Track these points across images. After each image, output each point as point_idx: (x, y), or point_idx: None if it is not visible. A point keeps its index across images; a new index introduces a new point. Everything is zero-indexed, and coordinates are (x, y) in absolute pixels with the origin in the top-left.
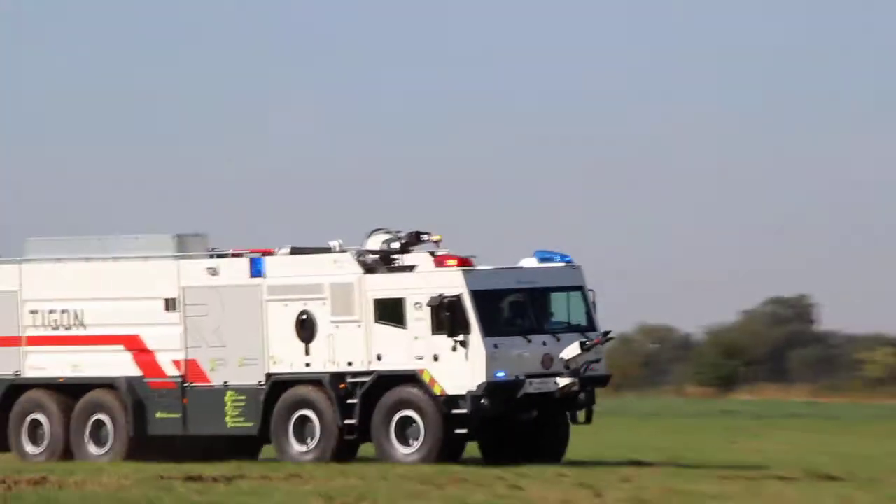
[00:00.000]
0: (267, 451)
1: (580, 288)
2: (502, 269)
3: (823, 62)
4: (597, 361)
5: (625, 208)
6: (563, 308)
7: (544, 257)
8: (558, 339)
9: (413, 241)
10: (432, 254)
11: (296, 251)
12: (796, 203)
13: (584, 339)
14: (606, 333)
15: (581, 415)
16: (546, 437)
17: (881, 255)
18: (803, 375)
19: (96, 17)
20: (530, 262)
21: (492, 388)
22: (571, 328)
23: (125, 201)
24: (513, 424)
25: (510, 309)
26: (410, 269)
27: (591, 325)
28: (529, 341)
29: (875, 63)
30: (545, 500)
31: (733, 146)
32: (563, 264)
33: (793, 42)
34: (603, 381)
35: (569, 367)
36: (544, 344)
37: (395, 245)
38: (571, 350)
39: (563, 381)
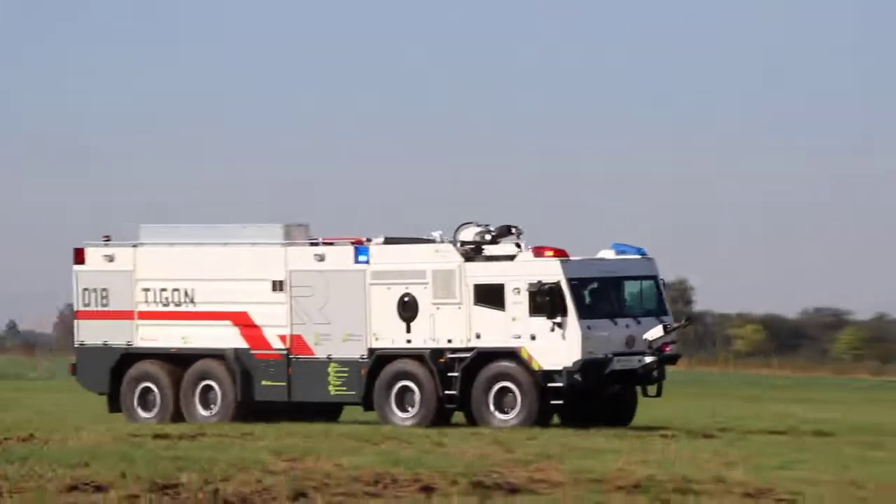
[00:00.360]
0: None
1: (654, 277)
2: (592, 259)
3: None
4: (673, 342)
5: None
6: (638, 295)
7: (621, 250)
8: (639, 323)
9: (504, 233)
10: (518, 245)
11: (389, 241)
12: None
13: (667, 323)
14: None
15: (652, 389)
16: (620, 407)
17: (749, 242)
18: (684, 350)
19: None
20: (608, 254)
21: (585, 365)
22: (647, 312)
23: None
24: (596, 396)
25: (598, 295)
26: (510, 258)
27: (663, 310)
28: (615, 324)
29: None
30: (464, 454)
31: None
32: (639, 256)
33: None
34: (675, 359)
35: (651, 347)
36: (627, 326)
37: (488, 237)
38: (656, 332)
39: (647, 359)
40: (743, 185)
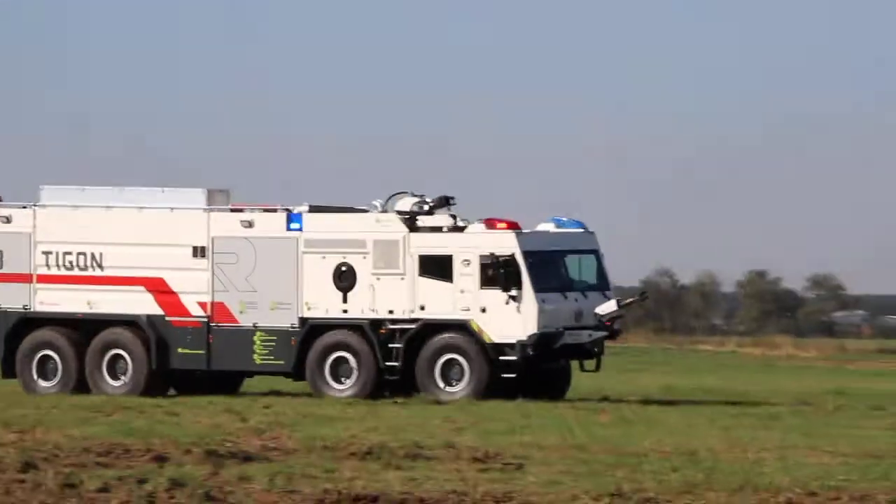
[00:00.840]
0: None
1: (596, 251)
2: (542, 232)
3: None
4: (621, 317)
5: None
6: (578, 268)
7: (562, 223)
8: (586, 297)
9: (442, 203)
10: (454, 216)
11: (314, 209)
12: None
13: (621, 298)
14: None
15: (590, 364)
16: (555, 381)
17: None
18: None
19: None
20: (548, 227)
21: (539, 338)
22: (591, 287)
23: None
24: (534, 370)
25: (548, 268)
26: (459, 229)
27: (605, 285)
28: (566, 298)
29: None
30: (199, 424)
31: None
32: (581, 230)
33: None
34: (616, 334)
35: (601, 322)
36: (576, 300)
37: (425, 207)
38: (609, 306)
39: (598, 334)
40: None
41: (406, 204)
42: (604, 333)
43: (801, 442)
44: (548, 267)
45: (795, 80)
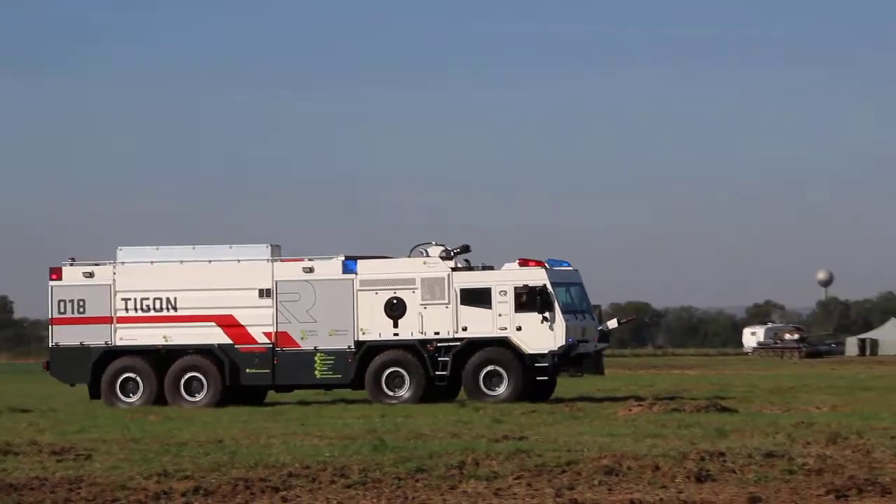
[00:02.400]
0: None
1: (581, 284)
2: (557, 269)
3: None
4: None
5: None
6: (578, 296)
7: (556, 263)
8: (585, 318)
9: (464, 250)
10: (467, 260)
11: (349, 258)
12: None
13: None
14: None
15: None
16: (547, 384)
17: None
18: None
19: None
20: (514, 266)
21: (566, 349)
22: (583, 310)
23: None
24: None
25: (564, 295)
26: (493, 268)
27: (590, 309)
28: (576, 318)
29: None
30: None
31: None
32: (571, 268)
33: None
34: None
35: (605, 335)
36: (580, 320)
37: (452, 253)
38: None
39: (601, 345)
40: None
41: (436, 251)
42: (606, 345)
43: (300, 430)
44: (563, 294)
45: None
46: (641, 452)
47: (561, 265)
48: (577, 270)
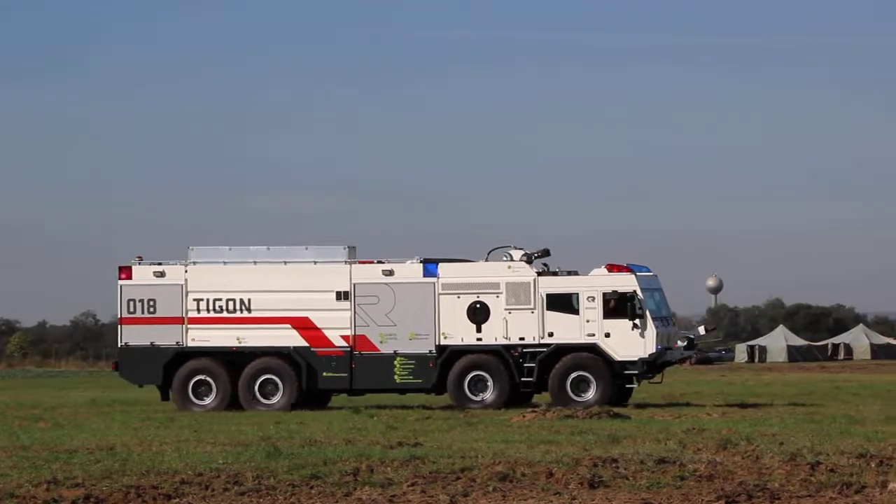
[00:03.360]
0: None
1: (661, 289)
2: (645, 274)
3: None
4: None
5: None
6: (660, 302)
7: (638, 269)
8: (668, 324)
9: (545, 254)
10: (545, 265)
11: (425, 261)
12: None
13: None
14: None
15: (659, 377)
16: (628, 390)
17: None
18: None
19: None
20: (602, 271)
21: (655, 356)
22: (664, 317)
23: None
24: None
25: (652, 301)
26: (579, 273)
27: (669, 316)
28: (662, 324)
29: None
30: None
31: None
32: (652, 273)
33: None
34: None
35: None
36: (666, 326)
37: (533, 257)
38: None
39: (686, 352)
40: None
41: (517, 255)
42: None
43: (193, 437)
44: (651, 300)
45: None
46: (535, 459)
47: (643, 270)
48: (656, 276)
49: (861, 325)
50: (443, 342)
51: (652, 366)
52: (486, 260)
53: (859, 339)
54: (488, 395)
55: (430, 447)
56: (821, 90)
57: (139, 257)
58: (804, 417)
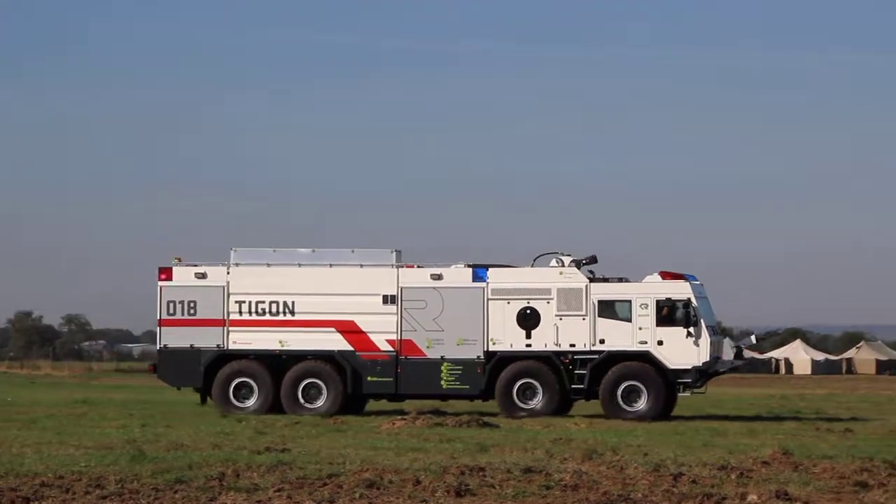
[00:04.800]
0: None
1: (707, 298)
2: (697, 283)
3: None
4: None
5: None
6: (707, 310)
7: (688, 277)
8: (716, 333)
9: (593, 261)
10: (591, 272)
11: (474, 266)
12: None
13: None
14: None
15: (704, 387)
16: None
17: None
18: None
19: None
20: (656, 279)
21: (709, 364)
22: (714, 325)
23: None
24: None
25: (703, 309)
26: (631, 280)
27: (716, 324)
28: (713, 333)
29: None
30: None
31: None
32: (698, 282)
33: None
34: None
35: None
36: (716, 335)
37: (581, 263)
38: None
39: (737, 362)
40: None
41: (565, 261)
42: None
43: (55, 439)
44: (703, 308)
45: None
46: (403, 466)
47: (693, 279)
48: (703, 284)
49: (799, 339)
50: (491, 348)
51: (704, 375)
52: (533, 266)
53: (797, 354)
54: (537, 403)
55: (298, 453)
56: None
57: (178, 258)
58: (669, 429)
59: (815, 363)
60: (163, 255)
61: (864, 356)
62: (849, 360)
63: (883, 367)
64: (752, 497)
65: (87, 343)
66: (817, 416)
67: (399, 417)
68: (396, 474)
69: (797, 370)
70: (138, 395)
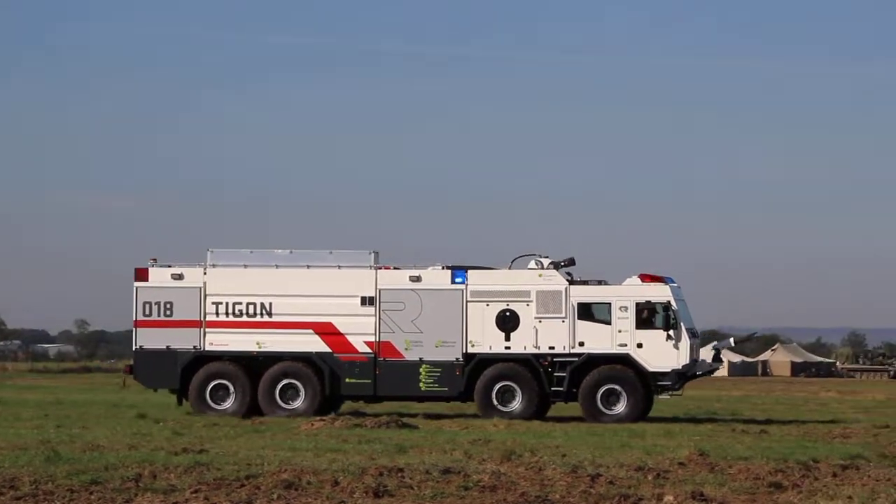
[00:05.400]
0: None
1: (684, 300)
2: (676, 285)
3: None
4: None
5: None
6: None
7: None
8: (695, 336)
9: (570, 263)
10: (570, 274)
11: (452, 268)
12: None
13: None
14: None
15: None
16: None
17: None
18: None
19: None
20: (636, 281)
21: (688, 367)
22: (692, 328)
23: None
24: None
25: (682, 312)
26: (610, 283)
27: (694, 327)
28: (693, 335)
29: None
30: None
31: None
32: (676, 285)
33: None
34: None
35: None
36: (693, 337)
37: (559, 266)
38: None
39: (715, 364)
40: None
41: (543, 264)
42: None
43: None
44: (682, 311)
45: None
46: (321, 467)
47: (671, 281)
48: (680, 287)
49: (779, 343)
50: (470, 350)
51: (682, 377)
52: (510, 268)
53: (778, 356)
54: (516, 405)
55: (216, 454)
56: None
57: (153, 259)
58: (587, 430)
59: (731, 365)
60: (87, 254)
61: (779, 358)
62: (764, 363)
63: (798, 368)
64: (669, 498)
65: (0, 343)
66: (733, 417)
67: (318, 418)
68: (315, 475)
69: (777, 371)
70: (53, 396)
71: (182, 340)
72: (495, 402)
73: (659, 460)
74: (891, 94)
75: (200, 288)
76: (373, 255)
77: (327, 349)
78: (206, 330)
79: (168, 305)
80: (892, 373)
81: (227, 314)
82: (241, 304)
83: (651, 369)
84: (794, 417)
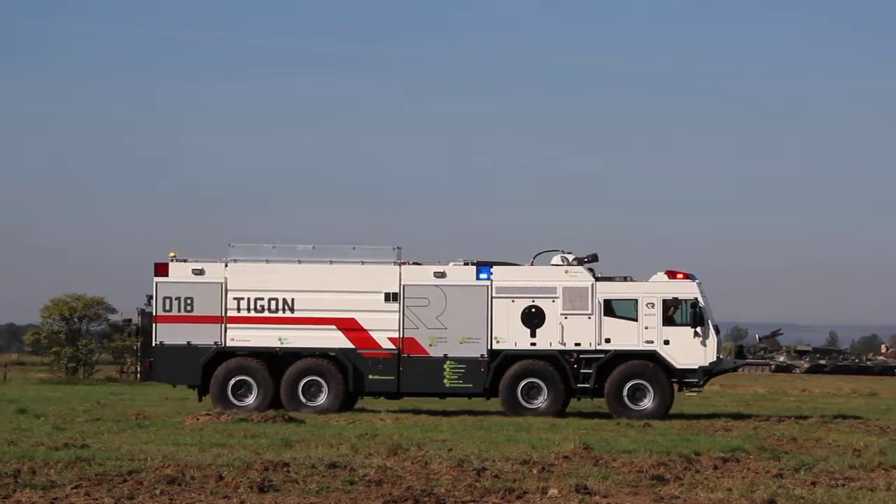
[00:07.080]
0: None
1: (706, 297)
2: (699, 282)
3: None
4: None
5: None
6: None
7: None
8: (718, 332)
9: (594, 259)
10: (591, 270)
11: (477, 264)
12: None
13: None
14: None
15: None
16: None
17: None
18: None
19: None
20: (662, 278)
21: (715, 363)
22: (717, 325)
23: None
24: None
25: (709, 308)
26: (637, 279)
27: (716, 323)
28: (717, 332)
29: None
30: None
31: None
32: (699, 281)
33: None
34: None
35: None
36: (717, 334)
37: (583, 262)
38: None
39: (740, 361)
40: None
41: (558, 259)
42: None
43: None
44: (708, 308)
45: None
46: (206, 462)
47: (695, 279)
48: (702, 283)
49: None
50: (495, 346)
51: (708, 374)
52: (532, 263)
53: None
54: (541, 402)
55: (98, 449)
56: None
57: (173, 254)
58: (474, 424)
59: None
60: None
61: None
62: None
63: None
64: (553, 491)
65: None
66: None
67: (203, 413)
68: (199, 470)
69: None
70: None
71: (203, 336)
72: (521, 399)
73: (544, 454)
74: None
75: (221, 283)
76: (396, 250)
77: (350, 345)
78: (228, 325)
79: (188, 301)
80: (773, 367)
81: (248, 310)
82: (262, 299)
83: (678, 366)
84: (678, 411)
